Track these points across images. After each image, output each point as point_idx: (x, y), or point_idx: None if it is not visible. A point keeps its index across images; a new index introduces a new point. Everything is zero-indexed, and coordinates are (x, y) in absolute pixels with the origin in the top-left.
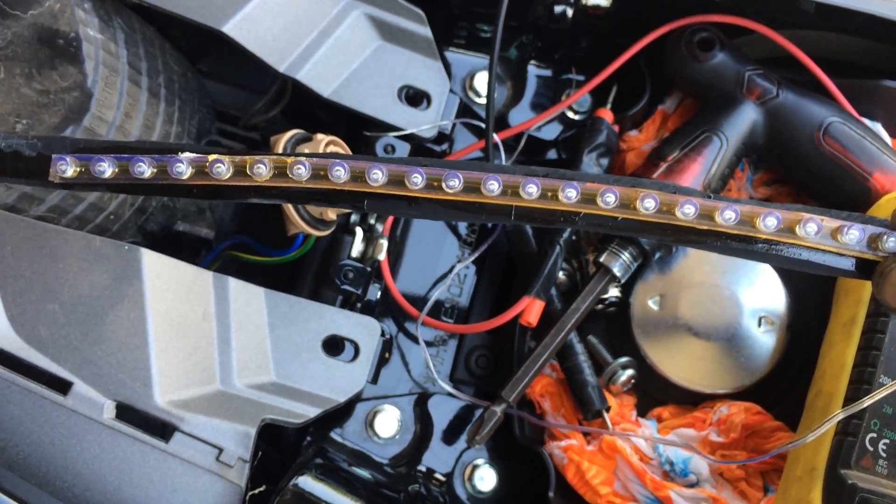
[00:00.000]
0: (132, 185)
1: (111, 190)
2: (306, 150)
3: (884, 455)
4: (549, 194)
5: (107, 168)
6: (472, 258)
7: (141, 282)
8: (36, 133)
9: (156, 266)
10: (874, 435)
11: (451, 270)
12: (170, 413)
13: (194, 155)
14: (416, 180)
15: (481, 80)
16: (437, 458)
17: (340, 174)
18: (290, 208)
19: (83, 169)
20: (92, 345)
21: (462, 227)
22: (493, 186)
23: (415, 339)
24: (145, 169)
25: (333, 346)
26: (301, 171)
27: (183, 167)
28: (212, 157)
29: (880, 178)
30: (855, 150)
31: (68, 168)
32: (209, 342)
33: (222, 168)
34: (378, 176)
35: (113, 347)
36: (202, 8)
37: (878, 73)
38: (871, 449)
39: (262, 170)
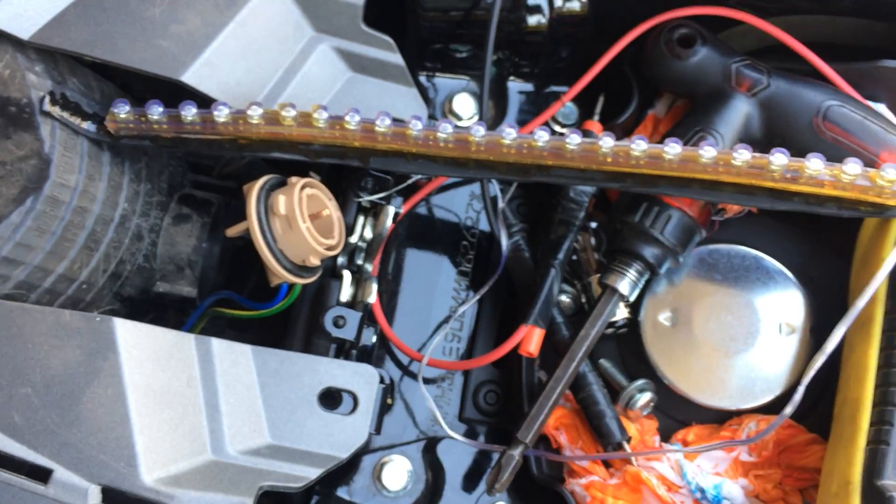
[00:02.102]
0: (175, 136)
1: (157, 143)
2: (281, 196)
3: None
4: (526, 145)
5: (158, 111)
6: (477, 297)
7: (116, 354)
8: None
9: (131, 335)
10: None
11: (451, 314)
12: (159, 492)
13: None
14: (416, 126)
15: (461, 103)
16: None
17: (354, 119)
18: (269, 258)
19: (138, 116)
20: (70, 427)
21: (457, 255)
22: (479, 131)
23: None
24: (191, 112)
25: (330, 399)
26: (322, 116)
27: (224, 111)
28: (247, 103)
29: (888, 157)
30: (858, 132)
31: (123, 109)
32: (196, 410)
33: (256, 112)
34: (384, 122)
35: (92, 427)
36: (158, 59)
37: (875, 52)
38: None
39: (290, 112)
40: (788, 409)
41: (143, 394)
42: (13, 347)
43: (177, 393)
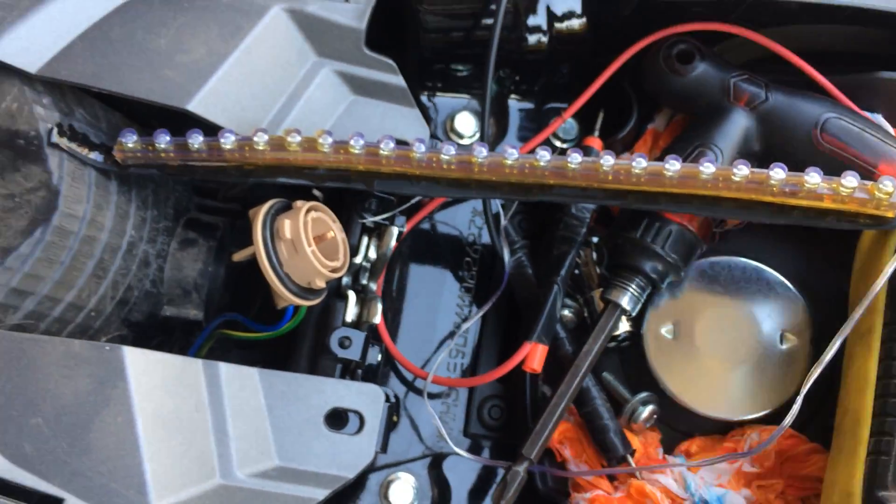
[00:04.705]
0: (182, 164)
1: (164, 171)
2: (286, 221)
3: None
4: (528, 165)
5: (166, 140)
6: (480, 314)
7: (126, 382)
8: (4, 237)
9: (140, 363)
10: None
11: (454, 330)
12: None
13: (238, 136)
14: (420, 148)
15: (462, 121)
16: None
17: (359, 143)
18: (276, 282)
19: (145, 145)
20: (80, 456)
21: (461, 271)
22: (482, 152)
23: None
24: (198, 140)
25: (337, 419)
26: (327, 140)
27: (231, 138)
28: (253, 130)
29: (886, 168)
30: (856, 144)
31: (131, 139)
32: (204, 435)
33: (262, 139)
34: (388, 146)
35: (102, 456)
36: (164, 89)
37: (871, 60)
38: None
39: (296, 138)
40: (787, 420)
41: (153, 421)
42: (24, 378)
43: (185, 418)
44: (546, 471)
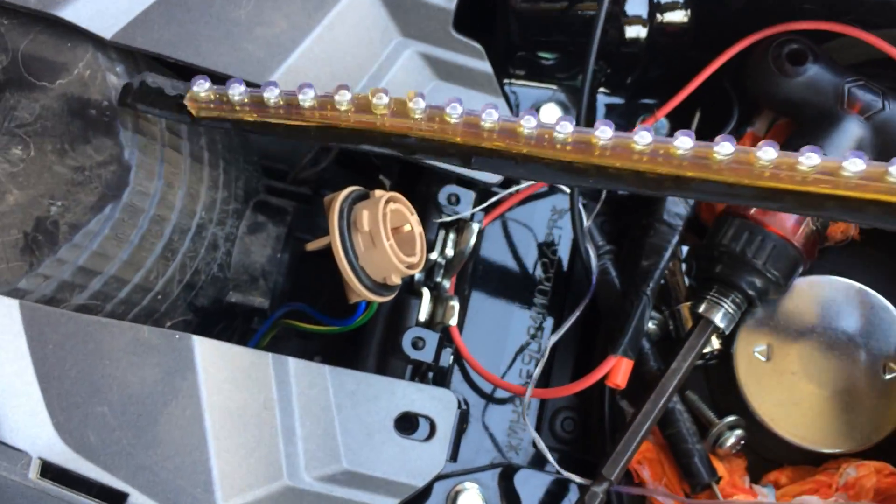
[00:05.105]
0: (258, 120)
1: (238, 126)
2: (365, 212)
3: None
4: (662, 152)
5: (240, 90)
6: (566, 326)
7: (195, 373)
8: (73, 213)
9: (210, 354)
10: None
11: (528, 335)
12: None
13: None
14: (529, 123)
15: (547, 113)
16: None
17: (456, 111)
18: (351, 276)
19: (219, 95)
20: (146, 449)
21: (536, 273)
22: (607, 132)
23: (494, 402)
24: (275, 94)
25: (407, 423)
26: (419, 105)
27: (310, 94)
28: (336, 87)
29: None
30: None
31: (203, 87)
32: (272, 433)
33: (345, 97)
34: (492, 116)
35: (169, 450)
36: (242, 63)
37: None
38: None
39: (383, 99)
40: None
41: (221, 415)
42: (90, 363)
43: (254, 415)
44: (623, 490)
